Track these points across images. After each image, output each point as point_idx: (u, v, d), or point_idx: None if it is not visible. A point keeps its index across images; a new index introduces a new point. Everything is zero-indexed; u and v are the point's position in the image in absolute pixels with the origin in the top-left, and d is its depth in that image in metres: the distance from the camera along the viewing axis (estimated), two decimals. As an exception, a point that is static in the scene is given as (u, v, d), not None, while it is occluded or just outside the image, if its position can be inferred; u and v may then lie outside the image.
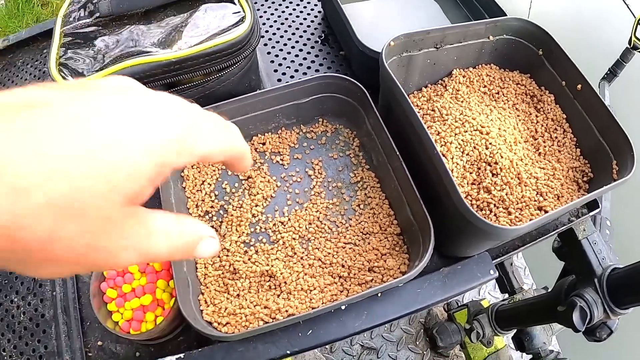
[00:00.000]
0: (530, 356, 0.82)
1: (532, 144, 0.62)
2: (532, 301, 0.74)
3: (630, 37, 0.91)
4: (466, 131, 0.58)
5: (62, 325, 0.57)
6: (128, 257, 0.20)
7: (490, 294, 1.06)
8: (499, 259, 0.59)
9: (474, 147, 0.57)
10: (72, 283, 0.59)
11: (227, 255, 0.55)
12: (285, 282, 0.52)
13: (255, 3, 0.80)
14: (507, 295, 0.89)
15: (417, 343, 0.98)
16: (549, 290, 0.75)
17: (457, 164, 0.56)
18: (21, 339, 0.58)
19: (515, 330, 0.83)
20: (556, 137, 0.62)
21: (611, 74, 0.95)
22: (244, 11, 0.59)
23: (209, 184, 0.59)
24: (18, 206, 0.16)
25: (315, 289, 0.52)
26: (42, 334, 0.58)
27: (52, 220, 0.17)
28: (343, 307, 0.51)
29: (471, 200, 0.55)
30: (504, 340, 0.90)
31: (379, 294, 0.51)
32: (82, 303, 0.59)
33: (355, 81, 0.58)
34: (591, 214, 0.64)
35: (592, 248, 0.64)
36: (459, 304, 0.91)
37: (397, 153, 0.53)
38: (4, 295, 0.61)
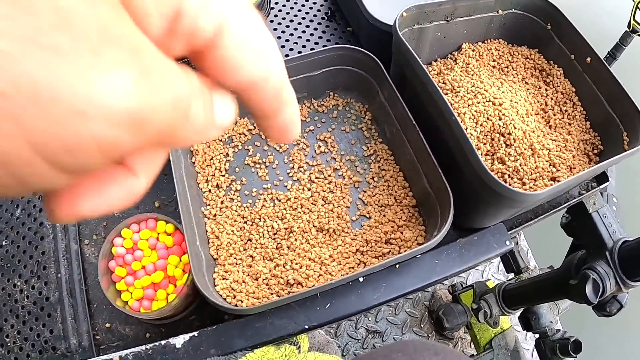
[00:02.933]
0: (536, 337, 0.83)
1: (542, 117, 0.62)
2: (540, 278, 0.74)
3: (630, 21, 0.92)
4: (479, 102, 0.57)
5: (67, 308, 0.55)
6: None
7: (493, 276, 1.06)
8: (513, 231, 0.59)
9: (487, 118, 0.57)
10: (78, 264, 0.57)
11: (242, 228, 0.54)
12: (300, 255, 0.51)
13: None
14: (510, 276, 0.89)
15: (422, 326, 0.98)
16: (556, 269, 0.75)
17: (471, 134, 0.56)
18: (25, 323, 0.56)
19: (521, 310, 0.83)
20: (566, 111, 0.62)
21: (610, 57, 0.96)
22: (253, -18, 0.58)
23: (218, 159, 0.57)
24: None
25: (333, 260, 0.51)
26: (47, 317, 0.56)
27: None
28: (361, 280, 0.50)
29: (486, 171, 0.55)
30: (509, 321, 0.90)
31: (397, 266, 0.51)
32: (88, 284, 0.57)
33: (368, 53, 0.57)
34: (601, 187, 0.64)
35: (603, 221, 0.64)
36: (464, 286, 0.91)
37: (414, 123, 0.52)
38: (7, 280, 0.59)
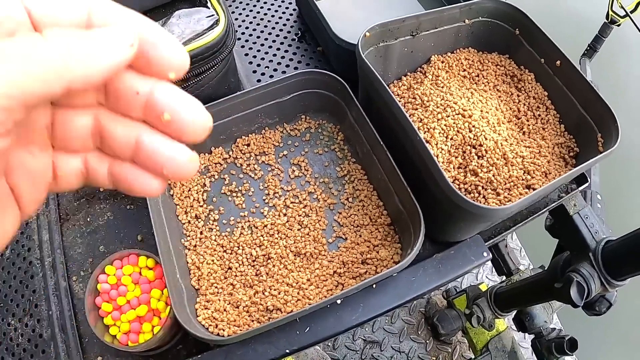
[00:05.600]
0: (532, 336, 0.83)
1: (515, 124, 0.62)
2: (529, 280, 0.75)
3: (608, 12, 0.92)
4: (448, 116, 0.58)
5: (60, 344, 0.57)
6: None
7: (487, 278, 1.07)
8: (491, 241, 0.59)
9: (458, 131, 0.57)
10: (68, 300, 0.59)
11: (222, 257, 0.55)
12: (278, 281, 0.52)
13: (230, 6, 0.80)
14: (504, 278, 0.89)
15: (419, 333, 0.98)
16: (542, 271, 0.75)
17: (442, 149, 0.56)
18: (21, 360, 0.58)
19: (515, 312, 0.83)
20: (539, 115, 0.63)
21: (591, 49, 0.96)
22: (217, 14, 0.58)
23: (196, 190, 0.59)
24: None
25: (311, 284, 0.52)
26: (42, 354, 0.57)
27: None
28: (339, 302, 0.51)
29: (459, 184, 0.55)
30: (505, 322, 0.90)
31: (374, 286, 0.51)
32: (78, 320, 0.58)
33: (335, 75, 0.58)
34: (580, 188, 0.64)
35: (584, 222, 0.64)
36: (458, 290, 0.91)
37: (382, 143, 0.53)
38: (1, 319, 0.60)
